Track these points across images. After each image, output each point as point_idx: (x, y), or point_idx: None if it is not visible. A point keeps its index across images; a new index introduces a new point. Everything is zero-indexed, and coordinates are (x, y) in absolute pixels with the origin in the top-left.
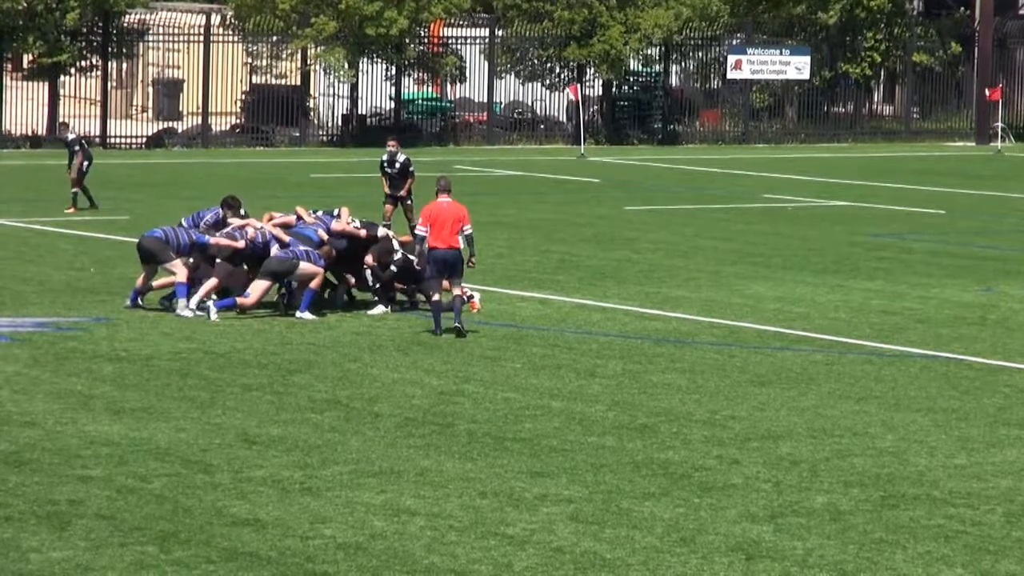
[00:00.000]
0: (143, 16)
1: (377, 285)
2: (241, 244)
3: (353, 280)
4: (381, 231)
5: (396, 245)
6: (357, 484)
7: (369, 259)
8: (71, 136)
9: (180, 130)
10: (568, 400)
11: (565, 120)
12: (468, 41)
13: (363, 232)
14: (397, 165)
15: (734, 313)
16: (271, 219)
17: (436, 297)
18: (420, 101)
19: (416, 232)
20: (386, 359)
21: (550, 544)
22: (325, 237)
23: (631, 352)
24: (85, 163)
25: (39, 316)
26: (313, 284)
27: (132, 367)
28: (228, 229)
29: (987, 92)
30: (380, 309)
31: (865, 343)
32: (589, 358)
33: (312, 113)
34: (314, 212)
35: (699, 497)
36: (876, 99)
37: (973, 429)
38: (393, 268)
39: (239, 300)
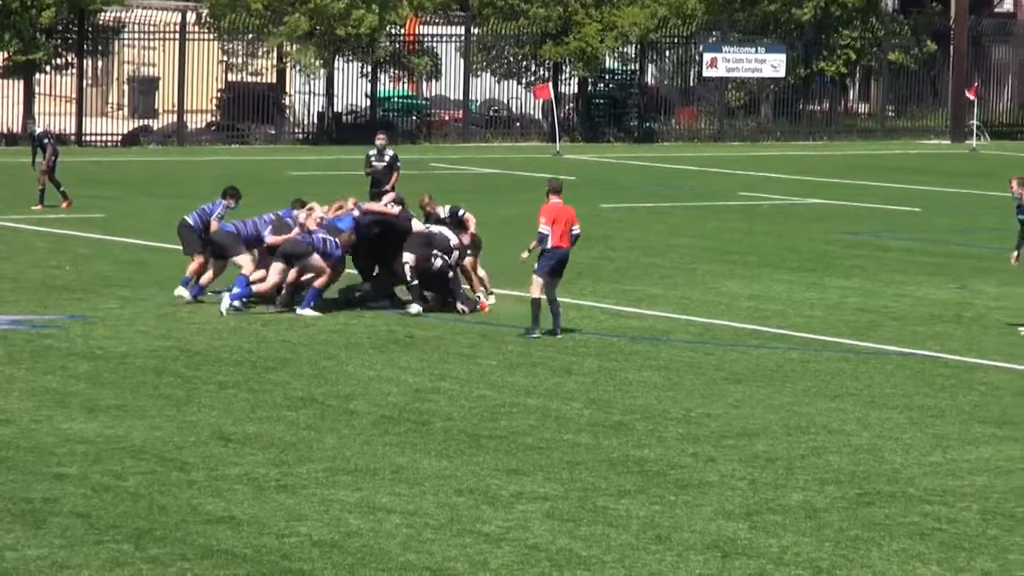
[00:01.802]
0: (119, 14)
1: (415, 282)
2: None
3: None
4: (416, 225)
5: (455, 249)
6: (333, 482)
7: (411, 259)
8: (38, 130)
9: (156, 128)
10: (544, 398)
11: (541, 118)
12: (443, 39)
13: (396, 210)
14: (385, 159)
15: (710, 311)
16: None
17: (538, 295)
18: (396, 99)
19: (539, 231)
20: (362, 357)
21: (526, 542)
22: (356, 213)
23: (607, 350)
24: (53, 157)
25: (14, 314)
26: (318, 283)
27: (108, 365)
28: (293, 218)
29: (967, 91)
30: (415, 308)
31: (841, 341)
32: (565, 356)
33: (288, 111)
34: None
35: (675, 495)
36: (851, 97)
37: (948, 426)
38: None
39: (255, 287)
